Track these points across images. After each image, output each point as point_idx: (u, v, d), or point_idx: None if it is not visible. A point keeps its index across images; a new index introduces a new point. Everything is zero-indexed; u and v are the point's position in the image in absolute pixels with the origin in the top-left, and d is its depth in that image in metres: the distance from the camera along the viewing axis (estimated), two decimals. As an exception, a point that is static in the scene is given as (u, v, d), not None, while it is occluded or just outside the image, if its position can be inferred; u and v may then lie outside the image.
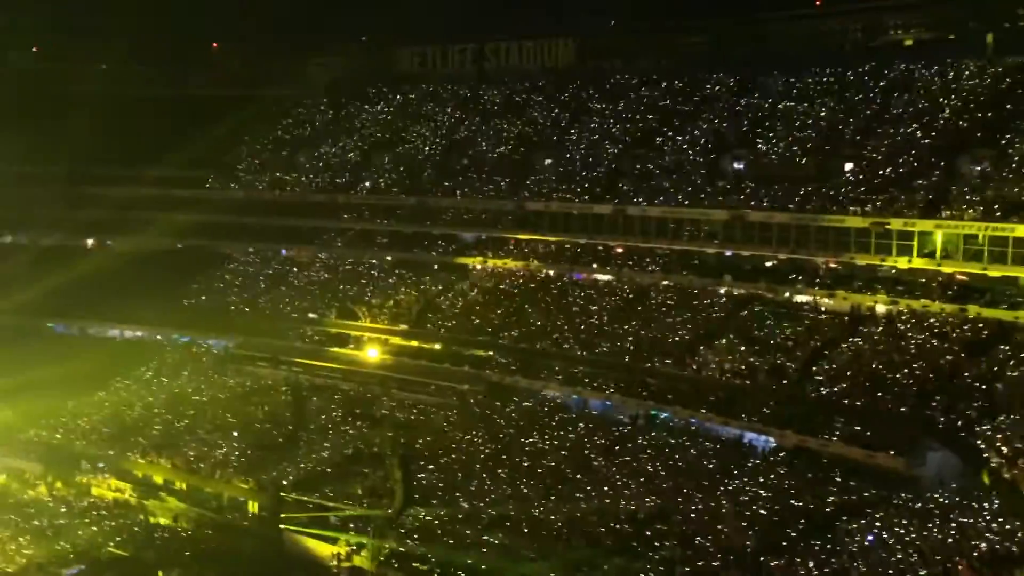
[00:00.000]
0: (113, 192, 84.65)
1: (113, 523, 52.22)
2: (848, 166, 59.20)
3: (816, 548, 39.08)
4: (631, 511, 45.47)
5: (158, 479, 57.16)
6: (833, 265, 57.35)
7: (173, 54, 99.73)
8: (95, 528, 51.33)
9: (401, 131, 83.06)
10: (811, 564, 37.71)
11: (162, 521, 53.77)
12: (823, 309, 56.68)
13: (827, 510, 42.37)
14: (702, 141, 66.93)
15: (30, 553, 48.02)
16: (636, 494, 46.86)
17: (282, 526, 50.78)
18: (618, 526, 44.51)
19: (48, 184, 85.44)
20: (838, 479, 44.32)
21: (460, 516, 47.34)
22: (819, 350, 53.39)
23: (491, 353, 62.48)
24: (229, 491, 54.68)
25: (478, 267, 71.38)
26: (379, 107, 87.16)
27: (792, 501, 43.59)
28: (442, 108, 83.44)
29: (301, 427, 59.91)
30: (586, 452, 51.68)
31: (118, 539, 50.25)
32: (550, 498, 47.59)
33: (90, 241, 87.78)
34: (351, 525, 49.45)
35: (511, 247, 70.57)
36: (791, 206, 58.24)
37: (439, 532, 46.55)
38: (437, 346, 65.15)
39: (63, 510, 53.80)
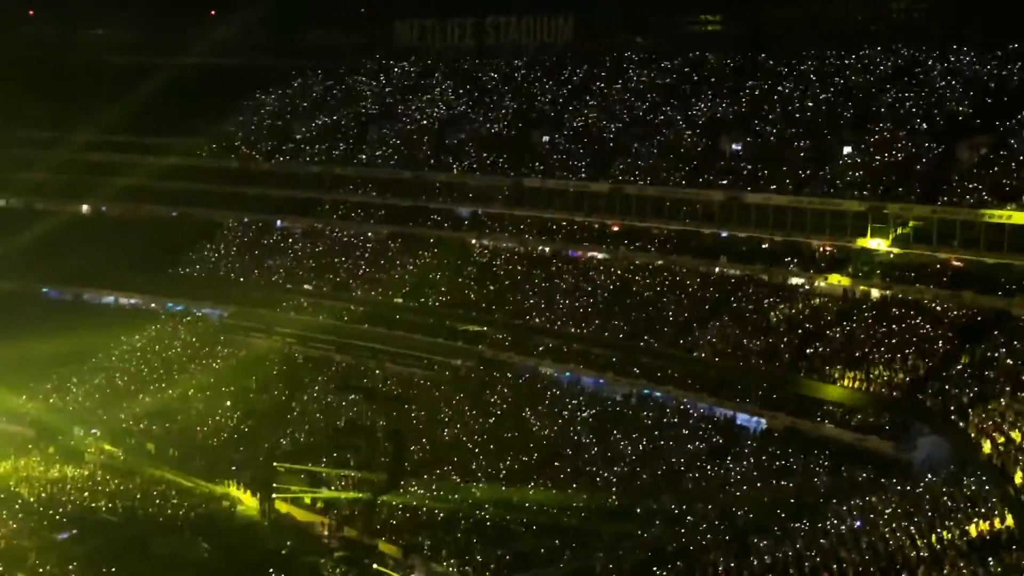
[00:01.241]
0: (108, 158, 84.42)
1: (105, 488, 52.32)
2: (846, 150, 59.19)
3: (804, 530, 39.35)
4: (621, 488, 45.81)
5: (150, 446, 57.26)
6: (829, 249, 57.40)
7: (171, 22, 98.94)
8: (87, 493, 51.46)
9: (398, 104, 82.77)
10: (798, 546, 37.94)
11: (154, 487, 53.85)
12: (818, 292, 56.81)
13: (816, 492, 42.75)
14: (700, 121, 66.87)
15: (23, 517, 48.09)
16: (626, 472, 47.18)
17: (274, 496, 50.93)
18: (608, 502, 44.84)
19: (42, 149, 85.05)
20: (828, 462, 44.67)
21: (450, 490, 47.63)
22: (813, 333, 53.59)
23: (485, 328, 62.60)
24: (221, 461, 54.78)
25: (473, 242, 71.37)
26: (377, 79, 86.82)
27: (782, 482, 43.96)
28: (440, 82, 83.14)
29: (294, 398, 60.07)
30: (578, 429, 51.95)
31: (110, 504, 50.34)
32: (541, 473, 47.87)
33: (85, 207, 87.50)
34: (342, 496, 49.67)
35: (507, 223, 70.50)
36: (788, 189, 58.28)
37: (429, 505, 46.78)
38: (431, 320, 65.20)
39: (55, 474, 53.87)
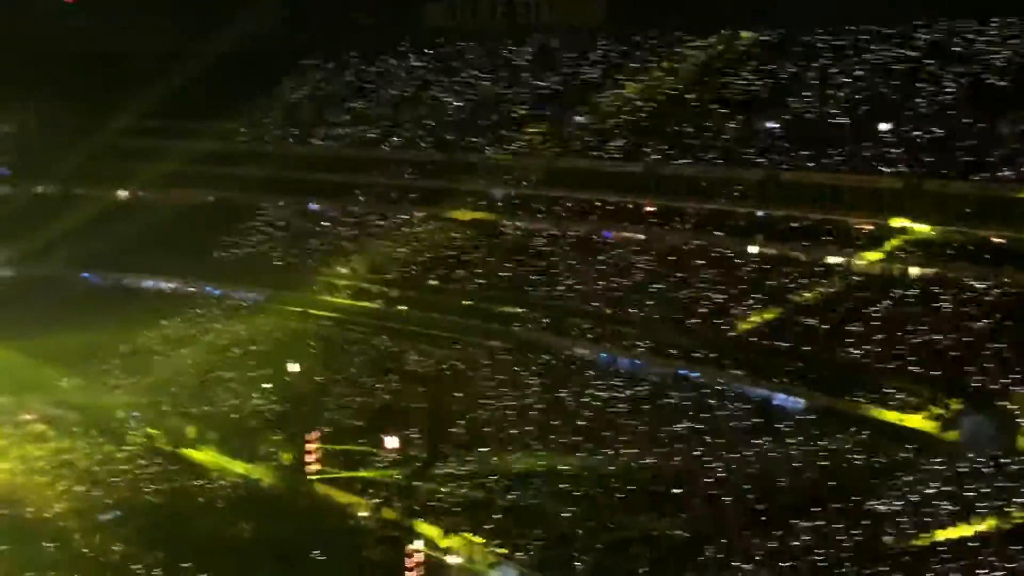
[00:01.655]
0: (145, 143, 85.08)
1: (147, 470, 53.02)
2: (884, 126, 58.48)
3: (845, 511, 39.14)
4: (658, 470, 45.75)
5: (191, 429, 57.85)
6: (867, 227, 56.80)
7: (203, 8, 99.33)
8: (131, 476, 52.16)
9: (430, 86, 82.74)
10: (839, 527, 37.77)
11: (194, 468, 54.53)
12: (855, 271, 56.24)
13: (855, 473, 42.44)
14: (736, 99, 66.25)
15: (68, 499, 48.86)
16: (663, 453, 47.11)
17: (312, 478, 51.35)
18: (644, 484, 44.80)
19: (80, 135, 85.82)
20: (868, 442, 44.32)
21: (487, 472, 47.81)
22: (851, 312, 53.12)
23: (520, 310, 62.60)
24: (260, 443, 55.29)
25: (507, 223, 71.29)
26: (408, 61, 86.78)
27: (821, 463, 43.67)
28: (471, 63, 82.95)
29: (331, 380, 60.41)
30: (614, 410, 51.88)
31: (152, 486, 51.00)
32: (577, 456, 47.92)
33: (123, 192, 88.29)
34: (381, 478, 49.99)
35: (541, 204, 70.34)
36: (825, 166, 57.68)
37: (467, 486, 47.00)
38: (466, 302, 65.27)
39: (99, 457, 54.61)
